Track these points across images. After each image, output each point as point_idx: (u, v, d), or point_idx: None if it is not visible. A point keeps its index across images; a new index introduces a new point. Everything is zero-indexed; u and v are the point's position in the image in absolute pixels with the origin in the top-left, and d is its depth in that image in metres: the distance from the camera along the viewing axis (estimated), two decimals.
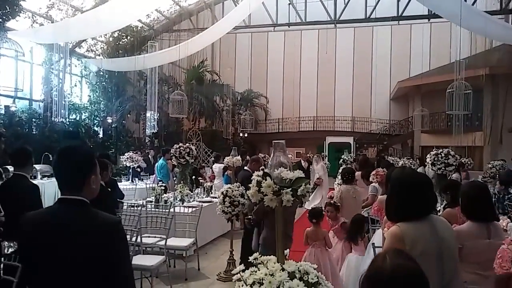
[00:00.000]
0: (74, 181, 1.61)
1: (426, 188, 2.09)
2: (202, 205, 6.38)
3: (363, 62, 22.60)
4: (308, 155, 13.78)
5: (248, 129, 18.48)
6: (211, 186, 8.01)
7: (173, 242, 5.36)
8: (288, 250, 1.86)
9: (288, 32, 21.74)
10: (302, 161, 12.05)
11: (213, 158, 12.27)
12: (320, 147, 19.95)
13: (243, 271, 1.75)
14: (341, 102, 22.82)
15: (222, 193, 5.13)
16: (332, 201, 4.83)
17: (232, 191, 5.05)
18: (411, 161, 10.70)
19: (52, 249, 1.51)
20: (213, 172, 10.29)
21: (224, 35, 14.33)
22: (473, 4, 14.67)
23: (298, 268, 1.69)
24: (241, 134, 19.99)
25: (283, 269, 1.67)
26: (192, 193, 7.16)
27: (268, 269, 1.67)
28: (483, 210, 2.63)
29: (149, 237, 5.32)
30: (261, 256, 1.82)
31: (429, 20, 17.08)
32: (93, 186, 1.66)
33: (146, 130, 13.09)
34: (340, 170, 6.37)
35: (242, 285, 1.69)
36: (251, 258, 1.80)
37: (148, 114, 13.03)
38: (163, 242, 4.97)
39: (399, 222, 2.02)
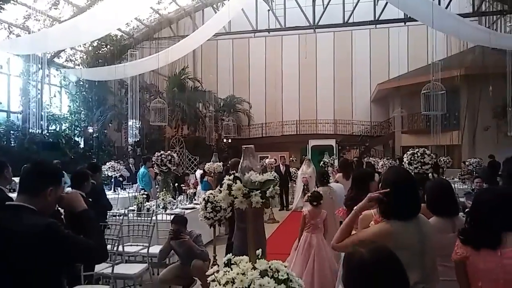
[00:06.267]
0: (30, 189, 1.81)
1: (410, 191, 2.22)
2: (184, 212, 6.40)
3: (343, 65, 22.98)
4: (291, 158, 13.91)
5: (231, 135, 18.54)
6: (195, 193, 8.03)
7: (156, 249, 5.36)
8: (261, 249, 1.93)
9: (269, 37, 21.99)
10: (281, 165, 12.16)
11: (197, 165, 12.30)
12: (304, 150, 20.14)
13: (217, 272, 1.82)
14: (323, 106, 23.12)
15: (204, 199, 5.17)
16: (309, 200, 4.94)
17: (214, 196, 5.10)
18: (391, 161, 10.92)
19: None
20: (196, 179, 10.31)
21: (205, 42, 14.41)
22: (446, 7, 15.14)
23: (270, 266, 1.77)
24: (224, 140, 20.04)
25: (254, 268, 1.74)
26: (175, 201, 7.17)
27: (240, 268, 1.74)
28: (447, 205, 2.78)
29: (131, 245, 5.31)
30: (234, 257, 1.89)
31: (405, 24, 17.55)
32: (48, 198, 1.82)
33: (128, 139, 13.02)
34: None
35: (216, 285, 1.76)
36: (223, 259, 1.87)
37: (130, 123, 12.99)
38: (145, 250, 4.97)
39: (390, 220, 2.15)
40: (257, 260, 1.79)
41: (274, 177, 6.96)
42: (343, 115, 22.78)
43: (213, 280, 1.79)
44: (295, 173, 12.37)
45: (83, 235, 1.91)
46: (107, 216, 5.28)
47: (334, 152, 18.54)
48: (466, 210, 4.70)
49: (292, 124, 22.97)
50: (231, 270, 1.77)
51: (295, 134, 22.41)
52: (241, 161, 1.99)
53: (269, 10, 16.97)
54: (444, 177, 12.13)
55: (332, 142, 20.30)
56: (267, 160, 11.97)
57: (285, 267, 1.79)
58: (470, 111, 17.15)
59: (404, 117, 18.37)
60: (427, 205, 2.86)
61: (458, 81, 16.50)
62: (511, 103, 12.18)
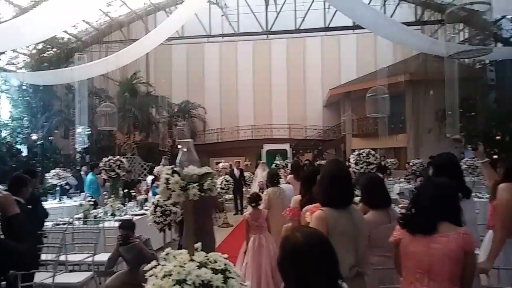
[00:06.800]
0: None
1: (344, 182, 2.45)
2: (133, 218, 6.22)
3: (297, 71, 23.50)
4: (245, 163, 13.97)
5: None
6: (146, 199, 7.82)
7: (103, 257, 5.16)
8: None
9: (224, 43, 22.06)
10: (235, 169, 12.18)
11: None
12: (259, 155, 20.29)
13: (155, 267, 1.79)
14: (278, 111, 23.47)
15: (153, 203, 5.07)
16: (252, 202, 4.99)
17: (164, 200, 5.01)
18: None
19: None
20: (148, 185, 10.07)
21: (159, 47, 14.19)
22: (391, 16, 15.98)
23: (208, 258, 1.76)
24: (179, 146, 19.68)
25: (192, 260, 1.73)
26: (124, 207, 6.95)
27: (178, 261, 1.72)
28: (380, 198, 2.96)
29: (76, 254, 5.08)
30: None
31: (353, 31, 18.30)
32: None
33: (76, 145, 12.46)
34: None
35: (153, 281, 1.72)
36: (162, 254, 1.84)
37: (79, 130, 12.45)
38: (91, 259, 4.78)
39: (324, 207, 2.37)
40: (195, 253, 1.78)
41: (227, 181, 7.03)
42: (297, 120, 23.23)
43: (151, 275, 1.76)
44: (249, 177, 12.44)
45: (14, 240, 1.86)
46: (44, 224, 5.00)
47: (288, 156, 18.85)
48: (401, 205, 5.00)
49: (247, 129, 23.09)
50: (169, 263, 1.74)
51: (251, 139, 22.54)
52: (179, 155, 1.98)
53: (222, 15, 17.06)
54: (391, 178, 12.78)
55: (287, 146, 20.65)
56: (220, 165, 11.93)
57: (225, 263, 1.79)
58: (414, 114, 18.12)
59: (354, 121, 19.06)
60: (363, 200, 3.04)
61: (403, 86, 17.43)
62: (450, 107, 12.98)
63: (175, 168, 1.88)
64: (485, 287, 2.83)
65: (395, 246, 2.29)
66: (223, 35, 16.56)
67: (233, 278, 1.73)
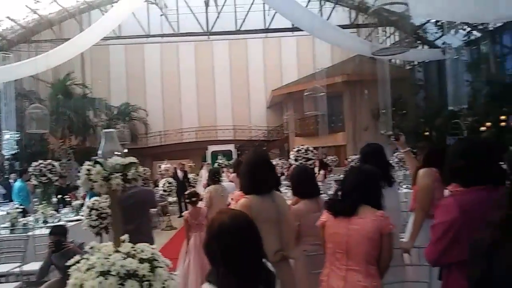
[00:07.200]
0: None
1: (268, 169, 2.53)
2: (66, 224, 5.89)
3: (240, 72, 23.63)
4: (190, 165, 13.79)
5: (127, 144, 17.65)
6: (82, 204, 7.43)
7: (33, 267, 4.83)
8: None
9: (165, 44, 21.59)
10: (179, 171, 12.01)
11: None
12: (204, 156, 20.13)
13: (78, 262, 1.72)
14: (222, 112, 23.44)
15: (88, 206, 4.84)
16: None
17: (99, 203, 4.81)
18: (283, 161, 11.54)
19: None
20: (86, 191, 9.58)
21: (95, 47, 13.56)
22: (327, 18, 16.65)
23: (135, 249, 1.73)
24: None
25: (117, 252, 1.68)
26: (57, 214, 6.56)
27: (102, 253, 1.67)
28: (309, 187, 3.09)
29: (2, 264, 4.71)
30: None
31: (293, 33, 18.79)
32: None
33: (3, 152, 11.55)
34: None
35: (76, 275, 1.66)
36: (86, 248, 1.78)
37: (7, 136, 11.56)
38: (19, 269, 4.46)
39: (248, 195, 2.45)
40: (121, 244, 1.74)
41: (170, 183, 6.91)
42: (241, 121, 23.36)
43: (75, 270, 1.69)
44: (194, 179, 12.29)
45: None
46: None
47: (233, 156, 18.89)
48: None
49: (191, 131, 22.80)
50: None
51: (195, 141, 22.29)
52: (102, 144, 1.92)
53: (162, 15, 16.75)
54: (332, 175, 13.29)
55: (231, 147, 20.69)
56: (163, 166, 11.68)
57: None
58: (352, 114, 18.99)
59: (297, 121, 19.58)
60: (293, 191, 3.16)
61: (341, 87, 18.22)
62: (383, 106, 13.79)
63: (97, 159, 1.82)
64: (407, 264, 3.04)
65: (321, 229, 2.39)
66: (162, 35, 16.27)
67: (161, 267, 1.71)
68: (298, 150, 6.85)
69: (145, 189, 4.43)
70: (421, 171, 3.19)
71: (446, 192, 1.98)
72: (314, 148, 7.62)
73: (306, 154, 6.74)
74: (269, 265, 1.61)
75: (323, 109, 11.18)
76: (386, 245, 2.21)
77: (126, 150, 18.99)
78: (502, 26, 13.74)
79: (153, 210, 6.88)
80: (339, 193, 2.37)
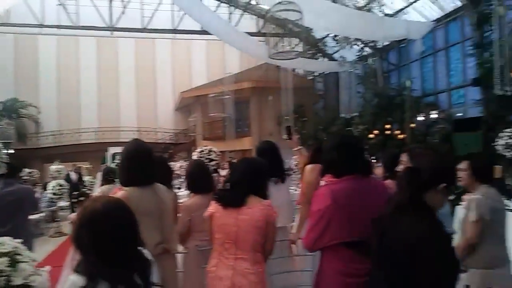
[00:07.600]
0: None
1: (145, 160, 2.45)
2: None
3: (146, 72, 22.83)
4: (87, 167, 12.88)
5: (12, 143, 15.80)
6: None
7: None
8: None
9: (63, 37, 19.86)
10: (74, 173, 11.16)
11: None
12: (104, 158, 18.95)
13: None
14: (126, 112, 22.35)
15: None
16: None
17: None
18: (187, 163, 11.41)
19: None
20: None
21: None
22: (236, 25, 16.99)
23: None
24: (3, 151, 16.85)
25: None
26: None
27: None
28: (202, 182, 3.11)
29: None
30: None
31: (201, 35, 18.76)
32: None
33: None
34: None
35: None
36: None
37: None
38: None
39: (127, 187, 2.37)
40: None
41: (61, 185, 6.34)
42: (147, 123, 22.56)
43: None
44: (90, 181, 11.48)
45: None
46: None
47: None
48: None
49: (91, 131, 21.31)
50: None
51: (95, 143, 20.87)
52: None
53: (59, 4, 15.45)
54: None
55: None
56: (53, 167, 10.71)
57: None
58: (258, 119, 19.59)
59: (205, 124, 19.54)
60: (187, 186, 3.15)
61: (248, 93, 18.70)
62: (288, 113, 14.51)
63: None
64: (294, 255, 3.23)
65: (209, 220, 2.41)
66: (59, 26, 14.98)
67: (25, 262, 1.56)
68: (201, 151, 6.82)
69: (23, 186, 4.00)
70: (307, 167, 3.41)
71: (322, 183, 2.15)
72: (221, 152, 7.68)
73: (209, 155, 6.75)
74: (146, 252, 1.57)
75: (229, 112, 11.33)
76: (270, 233, 2.34)
77: (12, 151, 17.04)
78: (388, 45, 15.48)
79: (35, 213, 6.22)
80: (228, 184, 2.43)
